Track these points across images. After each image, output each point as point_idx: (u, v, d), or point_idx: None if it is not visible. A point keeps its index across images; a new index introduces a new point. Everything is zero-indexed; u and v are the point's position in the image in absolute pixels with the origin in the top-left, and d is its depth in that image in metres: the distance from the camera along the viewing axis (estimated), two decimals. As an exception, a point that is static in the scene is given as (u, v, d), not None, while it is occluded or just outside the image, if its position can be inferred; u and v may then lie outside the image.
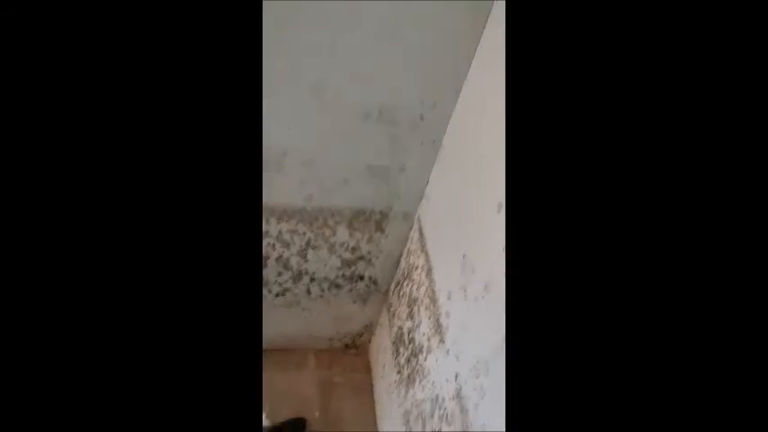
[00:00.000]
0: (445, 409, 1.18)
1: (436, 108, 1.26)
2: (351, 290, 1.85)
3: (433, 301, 1.34)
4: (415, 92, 1.22)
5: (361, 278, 1.81)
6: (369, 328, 2.10)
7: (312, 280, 1.77)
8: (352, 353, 2.16)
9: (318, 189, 1.42)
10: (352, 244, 1.64)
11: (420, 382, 1.40)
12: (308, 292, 1.81)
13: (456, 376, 1.13)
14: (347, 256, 1.69)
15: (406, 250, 1.67)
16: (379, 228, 1.60)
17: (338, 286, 1.83)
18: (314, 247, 1.62)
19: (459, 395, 1.10)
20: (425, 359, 1.36)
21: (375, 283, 1.84)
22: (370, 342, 2.15)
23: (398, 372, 1.63)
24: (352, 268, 1.76)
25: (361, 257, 1.71)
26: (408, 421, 1.47)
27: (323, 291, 1.83)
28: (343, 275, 1.78)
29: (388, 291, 1.87)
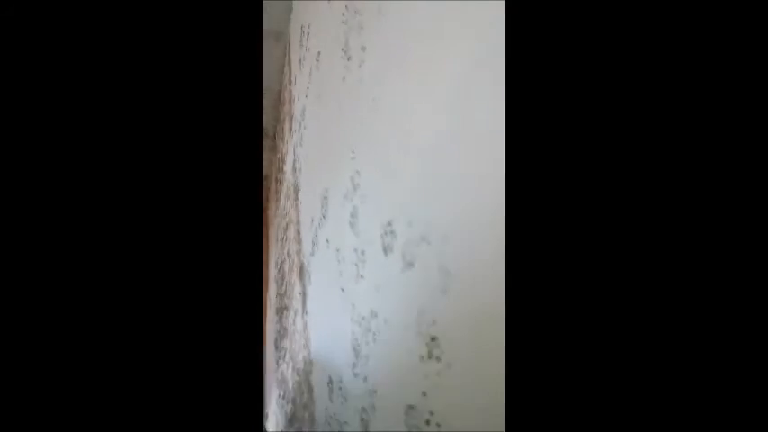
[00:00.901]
0: (290, 197, 1.20)
1: None
2: (236, 131, 1.83)
3: (291, 103, 1.33)
4: None
5: (244, 117, 1.78)
6: (264, 183, 2.10)
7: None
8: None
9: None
10: (226, 71, 1.60)
11: (282, 192, 1.42)
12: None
13: (294, 161, 1.14)
14: (224, 86, 1.65)
15: (283, 83, 1.64)
16: (251, 50, 1.55)
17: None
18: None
19: (294, 167, 1.12)
20: (284, 166, 1.38)
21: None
22: (267, 200, 2.16)
23: (277, 200, 1.65)
24: (232, 103, 1.72)
25: (240, 90, 1.68)
26: (278, 238, 1.51)
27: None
28: (224, 113, 1.75)
29: (275, 136, 1.86)
